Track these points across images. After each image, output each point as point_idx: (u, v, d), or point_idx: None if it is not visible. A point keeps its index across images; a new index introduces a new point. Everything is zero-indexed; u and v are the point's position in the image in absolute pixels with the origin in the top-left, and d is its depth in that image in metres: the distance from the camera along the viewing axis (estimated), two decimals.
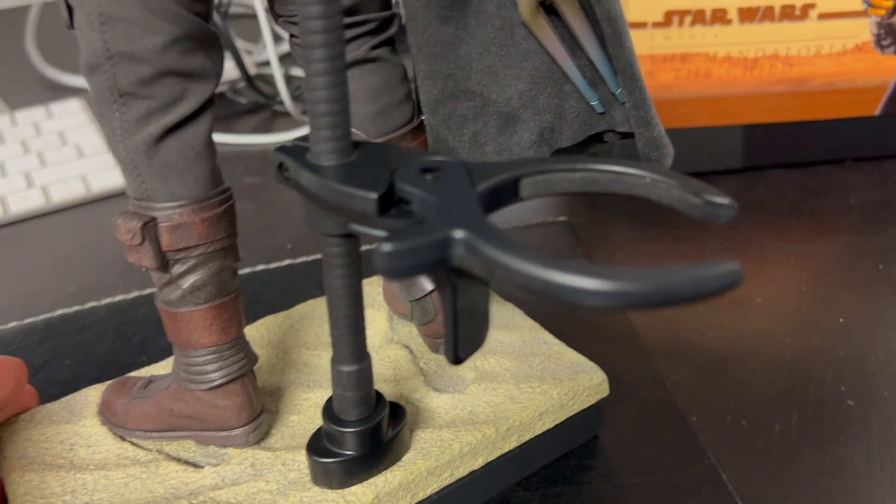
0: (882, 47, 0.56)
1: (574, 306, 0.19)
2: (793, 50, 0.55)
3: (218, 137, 0.66)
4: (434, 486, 0.32)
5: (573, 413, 0.36)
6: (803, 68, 0.56)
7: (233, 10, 0.83)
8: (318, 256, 0.51)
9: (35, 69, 0.77)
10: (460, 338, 0.24)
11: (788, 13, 0.54)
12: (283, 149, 0.25)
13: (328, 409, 0.30)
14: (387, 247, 0.20)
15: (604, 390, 0.37)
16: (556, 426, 0.36)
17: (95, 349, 0.44)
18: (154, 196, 0.29)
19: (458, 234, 0.21)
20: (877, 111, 0.59)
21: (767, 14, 0.54)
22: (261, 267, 0.51)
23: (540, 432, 0.35)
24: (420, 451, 0.32)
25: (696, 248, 0.52)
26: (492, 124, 0.32)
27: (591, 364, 0.37)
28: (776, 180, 0.60)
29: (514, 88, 0.32)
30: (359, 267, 0.27)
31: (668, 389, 0.41)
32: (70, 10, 0.27)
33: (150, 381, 0.35)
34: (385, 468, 0.31)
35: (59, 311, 0.47)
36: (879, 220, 0.55)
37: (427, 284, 0.35)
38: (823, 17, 0.54)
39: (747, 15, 0.54)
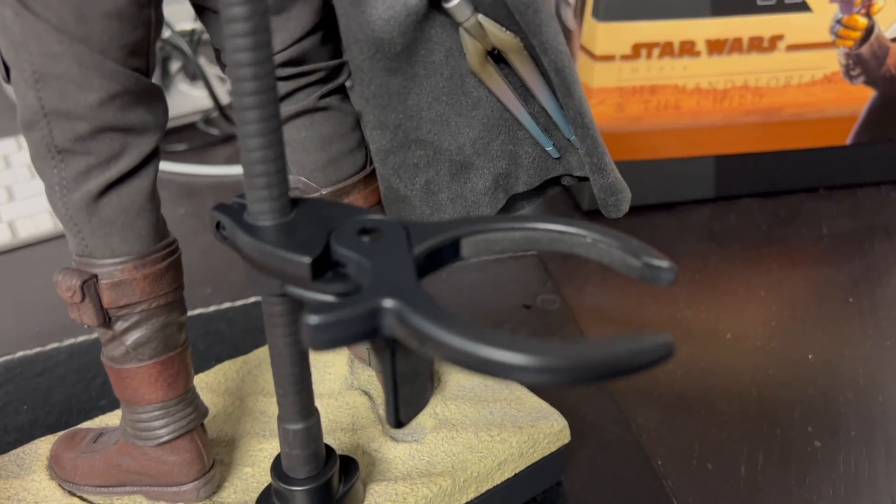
0: (851, 77, 0.56)
1: (505, 380, 0.19)
2: (762, 81, 0.55)
3: (190, 168, 0.66)
4: None
5: (533, 461, 0.35)
6: (773, 99, 0.56)
7: (205, 37, 0.82)
8: None
9: (7, 98, 0.76)
10: (401, 402, 0.23)
11: (757, 45, 0.54)
12: (220, 207, 0.25)
13: (276, 467, 0.29)
14: (313, 319, 0.20)
15: (565, 437, 0.36)
16: (516, 475, 0.35)
17: (55, 393, 0.44)
18: (95, 252, 0.28)
19: (388, 303, 0.20)
20: (847, 140, 0.59)
21: (736, 46, 0.54)
22: (226, 305, 0.50)
23: (499, 482, 0.34)
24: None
25: None
26: (444, 172, 0.32)
27: (551, 410, 0.36)
28: (748, 209, 0.60)
29: (466, 136, 0.32)
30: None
31: (633, 431, 0.40)
32: (6, 66, 0.26)
33: (101, 434, 0.34)
34: None
35: (20, 353, 0.47)
36: (850, 251, 0.55)
37: None
38: (792, 48, 0.54)
39: (716, 47, 0.54)
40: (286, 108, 0.31)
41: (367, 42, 0.28)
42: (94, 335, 0.48)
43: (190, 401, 0.31)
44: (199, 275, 0.54)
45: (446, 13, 0.29)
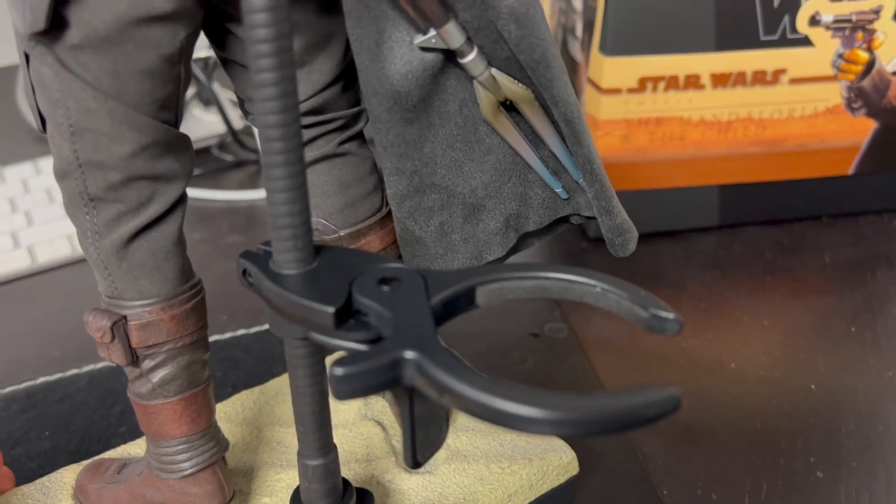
0: (853, 110, 0.57)
1: (520, 431, 0.20)
2: (765, 113, 0.57)
3: (203, 193, 0.67)
4: None
5: (543, 493, 0.36)
6: (776, 130, 0.57)
7: (218, 63, 0.84)
8: None
9: (25, 123, 0.78)
10: (418, 444, 0.24)
11: (760, 78, 0.55)
12: (247, 255, 0.26)
13: (296, 499, 0.30)
14: (338, 371, 0.21)
15: (573, 469, 0.37)
16: None
17: (75, 419, 0.45)
18: (124, 295, 0.29)
19: (409, 355, 0.21)
20: (850, 170, 0.60)
21: (739, 79, 0.55)
22: (241, 332, 0.52)
23: None
24: None
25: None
26: (457, 214, 0.33)
27: (560, 442, 0.37)
28: (752, 238, 0.61)
29: (479, 180, 0.33)
30: (323, 366, 0.28)
31: (639, 461, 0.41)
32: (42, 118, 0.28)
33: (125, 464, 0.35)
34: None
35: (41, 379, 0.48)
36: (853, 280, 0.56)
37: None
38: (794, 81, 0.56)
39: (720, 80, 0.55)
40: (307, 154, 0.32)
41: (385, 95, 0.30)
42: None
43: (212, 435, 0.32)
44: (214, 301, 0.55)
45: (461, 67, 0.30)
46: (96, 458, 0.37)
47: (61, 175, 0.28)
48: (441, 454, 0.37)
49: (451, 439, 0.38)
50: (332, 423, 0.38)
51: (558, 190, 0.34)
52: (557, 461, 0.36)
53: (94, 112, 0.26)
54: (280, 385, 0.42)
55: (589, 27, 0.55)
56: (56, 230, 0.61)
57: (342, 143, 0.32)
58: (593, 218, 0.35)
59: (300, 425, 0.28)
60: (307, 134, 0.32)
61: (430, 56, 0.29)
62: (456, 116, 0.32)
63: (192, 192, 0.68)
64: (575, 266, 0.26)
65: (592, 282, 0.25)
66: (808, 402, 0.45)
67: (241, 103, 0.33)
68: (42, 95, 0.27)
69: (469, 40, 0.29)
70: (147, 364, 0.30)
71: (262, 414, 0.40)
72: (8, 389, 0.47)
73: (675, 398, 0.20)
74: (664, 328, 0.24)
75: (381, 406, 0.40)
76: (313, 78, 0.30)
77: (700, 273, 0.57)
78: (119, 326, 0.29)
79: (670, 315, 0.23)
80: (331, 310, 0.23)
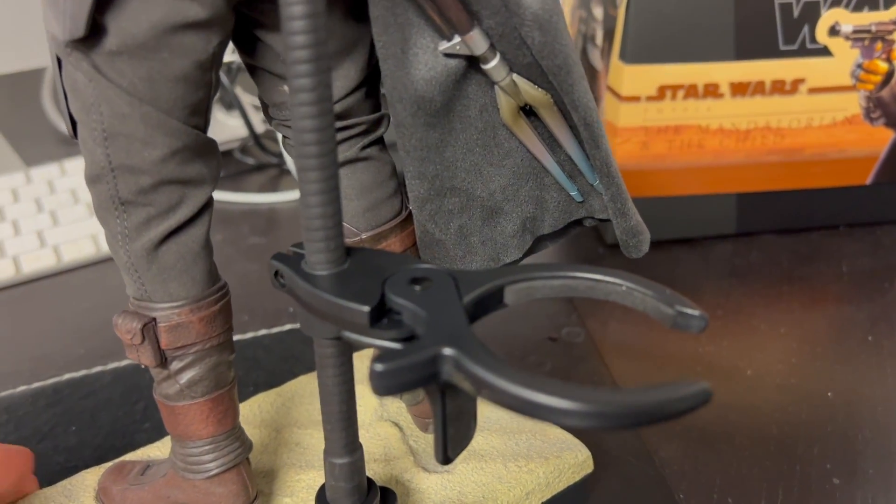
0: (871, 119, 0.58)
1: (554, 424, 0.21)
2: (784, 122, 0.57)
3: (225, 196, 0.68)
4: None
5: (559, 490, 0.37)
6: (795, 139, 0.58)
7: (242, 67, 0.85)
8: None
9: (51, 125, 0.79)
10: (449, 440, 0.25)
11: (779, 88, 0.56)
12: (279, 257, 0.27)
13: (321, 498, 0.31)
14: (378, 367, 0.21)
15: (588, 467, 0.38)
16: (543, 503, 0.37)
17: (100, 415, 0.46)
18: (153, 297, 0.30)
19: (447, 351, 0.22)
20: (868, 180, 0.60)
21: (758, 88, 0.55)
22: (262, 332, 0.52)
23: None
24: None
25: None
26: (476, 217, 0.34)
27: (575, 441, 0.38)
28: (769, 246, 0.61)
29: (497, 183, 0.34)
30: (351, 366, 0.28)
31: (656, 465, 0.42)
32: (74, 123, 0.28)
33: (148, 466, 0.36)
34: None
35: (67, 376, 0.49)
36: (870, 289, 0.56)
37: None
38: (813, 91, 0.56)
39: (739, 89, 0.55)
40: None
41: (409, 100, 0.30)
42: None
43: (237, 435, 0.33)
44: (235, 301, 0.55)
45: (483, 72, 0.31)
46: (118, 460, 0.38)
47: (93, 179, 0.29)
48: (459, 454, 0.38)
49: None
50: None
51: (573, 193, 0.35)
52: (573, 459, 0.37)
53: (128, 117, 0.27)
54: (296, 387, 0.42)
55: (609, 35, 0.56)
56: (81, 230, 0.62)
57: (364, 147, 0.33)
58: (607, 220, 0.35)
59: (328, 424, 0.29)
60: None
61: (453, 62, 0.30)
62: (476, 121, 0.32)
63: (215, 195, 0.68)
64: (589, 264, 0.26)
65: (618, 281, 0.25)
66: (824, 410, 0.46)
67: (265, 108, 0.33)
68: (75, 101, 0.28)
69: (492, 46, 0.30)
70: (175, 365, 0.31)
71: (280, 416, 0.40)
72: (35, 385, 0.48)
73: (707, 392, 0.20)
74: (689, 325, 0.24)
75: (396, 407, 0.40)
76: (338, 84, 0.31)
77: (717, 280, 0.57)
78: (149, 328, 0.30)
79: (696, 312, 0.24)
80: (366, 309, 0.24)
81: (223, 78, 0.73)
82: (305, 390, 0.42)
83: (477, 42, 0.29)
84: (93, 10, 0.25)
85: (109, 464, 0.37)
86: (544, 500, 0.37)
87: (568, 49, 0.30)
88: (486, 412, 0.40)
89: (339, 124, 0.32)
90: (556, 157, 0.34)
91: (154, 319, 0.30)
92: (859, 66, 0.55)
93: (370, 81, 0.32)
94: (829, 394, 0.47)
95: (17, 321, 0.55)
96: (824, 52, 0.55)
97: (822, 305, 0.55)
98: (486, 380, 0.21)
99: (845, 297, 0.55)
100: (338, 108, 0.32)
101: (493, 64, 0.30)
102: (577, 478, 0.38)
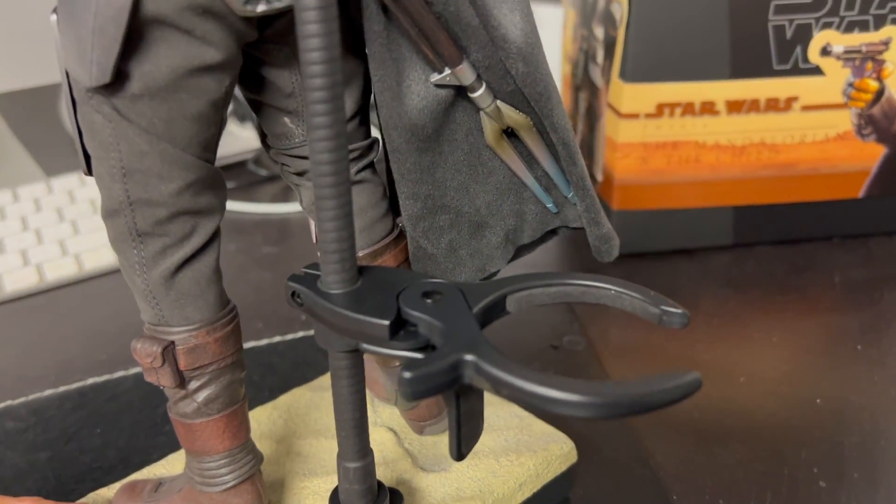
0: (863, 136, 0.60)
1: (566, 416, 0.23)
2: (778, 138, 0.59)
3: (238, 206, 0.71)
4: None
5: (548, 480, 0.40)
6: (789, 155, 0.60)
7: None
8: None
9: (70, 137, 0.81)
10: (463, 438, 0.28)
11: (773, 105, 0.58)
12: (295, 278, 0.29)
13: (335, 500, 0.33)
14: (407, 374, 0.24)
15: (573, 457, 0.41)
16: (534, 493, 0.40)
17: (123, 417, 0.48)
18: (171, 321, 0.32)
19: (468, 357, 0.25)
20: (860, 193, 0.62)
21: (753, 106, 0.58)
22: (276, 339, 0.55)
23: (521, 501, 0.39)
24: None
25: (685, 327, 0.55)
26: (465, 231, 0.37)
27: (559, 434, 0.41)
28: (765, 257, 0.63)
29: (482, 199, 0.37)
30: (363, 376, 0.30)
31: (652, 468, 0.44)
32: (87, 160, 0.30)
33: (160, 483, 0.37)
34: None
35: (91, 380, 0.51)
36: (861, 300, 0.58)
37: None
38: (806, 108, 0.58)
39: (734, 107, 0.57)
40: None
41: (404, 128, 0.33)
42: None
43: (250, 448, 0.35)
44: (250, 309, 0.58)
45: (469, 100, 0.34)
46: (128, 479, 0.39)
47: (111, 213, 0.30)
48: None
49: None
50: None
51: (549, 205, 0.38)
52: (559, 451, 0.40)
53: (146, 154, 0.29)
54: (290, 401, 0.44)
55: (609, 55, 0.58)
56: (101, 239, 0.65)
57: (359, 171, 0.35)
58: (579, 229, 0.39)
59: (342, 430, 0.31)
60: None
61: (443, 92, 0.33)
62: (463, 144, 0.35)
63: (228, 205, 0.71)
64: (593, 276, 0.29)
65: (608, 286, 0.28)
66: (813, 416, 0.48)
67: (263, 138, 0.35)
68: (92, 139, 0.29)
69: (478, 77, 0.33)
70: (193, 385, 0.32)
71: (277, 428, 0.42)
72: (61, 389, 0.51)
73: (697, 380, 0.23)
74: (673, 322, 0.27)
75: (388, 413, 0.43)
76: None
77: (714, 290, 0.59)
78: (168, 351, 0.31)
79: (678, 310, 0.27)
80: (386, 322, 0.26)
81: (237, 90, 0.76)
82: (299, 403, 0.44)
83: (466, 73, 0.32)
84: (119, 58, 0.26)
85: (119, 483, 0.39)
86: (535, 490, 0.40)
87: (547, 77, 0.33)
88: None
89: None
90: (534, 172, 0.37)
91: (172, 343, 0.31)
92: (850, 84, 0.58)
93: (363, 111, 0.35)
94: (819, 400, 0.49)
95: (42, 327, 0.57)
96: (816, 71, 0.57)
97: (815, 315, 0.57)
98: (505, 380, 0.24)
99: (837, 307, 0.57)
100: None
101: (479, 92, 0.33)
102: (564, 468, 0.41)
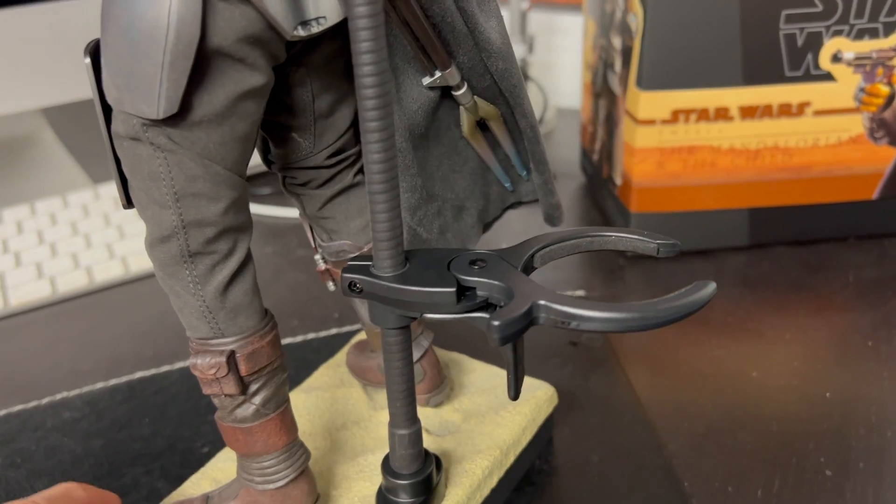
0: (875, 139, 0.61)
1: (618, 332, 0.28)
2: (791, 142, 0.61)
3: (274, 211, 0.74)
4: None
5: (540, 423, 0.45)
6: (802, 158, 0.62)
7: None
8: (361, 326, 0.58)
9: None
10: (519, 379, 0.32)
11: (786, 110, 0.60)
12: (349, 269, 0.32)
13: (386, 467, 0.37)
14: (496, 322, 0.28)
15: (555, 399, 0.47)
16: (534, 435, 0.45)
17: (170, 409, 0.52)
18: (226, 333, 0.33)
19: (541, 301, 0.29)
20: (874, 195, 0.64)
21: (766, 111, 0.60)
22: (311, 335, 0.58)
23: (525, 444, 0.44)
24: (455, 485, 0.40)
25: (701, 323, 0.58)
26: (449, 216, 0.41)
27: (540, 381, 0.46)
28: (780, 257, 0.65)
29: (461, 186, 0.41)
30: (410, 351, 0.34)
31: (664, 456, 0.46)
32: (126, 191, 0.32)
33: (208, 497, 0.39)
34: None
35: (139, 374, 0.55)
36: (873, 298, 0.60)
37: (417, 352, 0.43)
38: (819, 113, 0.60)
39: (748, 112, 0.60)
40: (332, 189, 0.39)
41: (403, 128, 0.37)
42: None
43: (300, 442, 0.37)
44: (286, 308, 0.62)
45: (450, 97, 0.38)
46: (176, 501, 0.40)
47: (162, 239, 0.31)
48: (457, 417, 0.44)
49: (457, 406, 0.45)
50: (349, 420, 0.45)
51: (507, 184, 0.43)
52: (544, 395, 0.45)
53: (198, 178, 0.30)
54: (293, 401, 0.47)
55: (626, 63, 0.61)
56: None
57: (355, 174, 0.39)
58: (532, 202, 0.44)
59: (394, 401, 0.35)
60: (331, 172, 0.38)
61: (433, 93, 0.37)
62: (444, 137, 0.40)
63: (265, 210, 0.75)
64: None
65: (609, 232, 0.33)
66: (822, 409, 0.50)
67: (265, 154, 0.38)
68: (138, 172, 0.30)
69: (462, 77, 0.37)
70: (252, 388, 0.35)
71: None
72: (112, 382, 0.54)
73: (714, 289, 0.28)
74: (669, 250, 0.31)
75: (382, 396, 0.46)
76: (337, 126, 0.37)
77: (729, 289, 0.62)
78: (231, 360, 0.33)
79: (670, 240, 0.31)
80: (452, 290, 0.30)
81: None
82: (301, 404, 0.47)
83: (454, 75, 0.37)
84: (186, 89, 0.28)
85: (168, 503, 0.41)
86: (535, 431, 0.45)
87: (518, 72, 0.38)
88: (460, 379, 0.47)
89: (339, 158, 0.38)
90: (497, 156, 0.42)
91: (233, 352, 0.33)
92: (862, 89, 0.59)
93: (355, 121, 0.38)
94: (827, 394, 0.51)
95: (92, 326, 0.61)
96: (828, 77, 0.59)
97: (827, 313, 0.59)
98: (573, 313, 0.28)
99: (849, 305, 0.59)
100: (337, 145, 0.37)
101: (462, 91, 0.38)
102: (550, 410, 0.46)
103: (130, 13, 0.27)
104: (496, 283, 0.30)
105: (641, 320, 0.27)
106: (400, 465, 0.36)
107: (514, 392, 0.32)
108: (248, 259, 0.34)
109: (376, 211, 0.30)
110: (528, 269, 0.32)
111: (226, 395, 0.34)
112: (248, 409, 0.35)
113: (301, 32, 0.30)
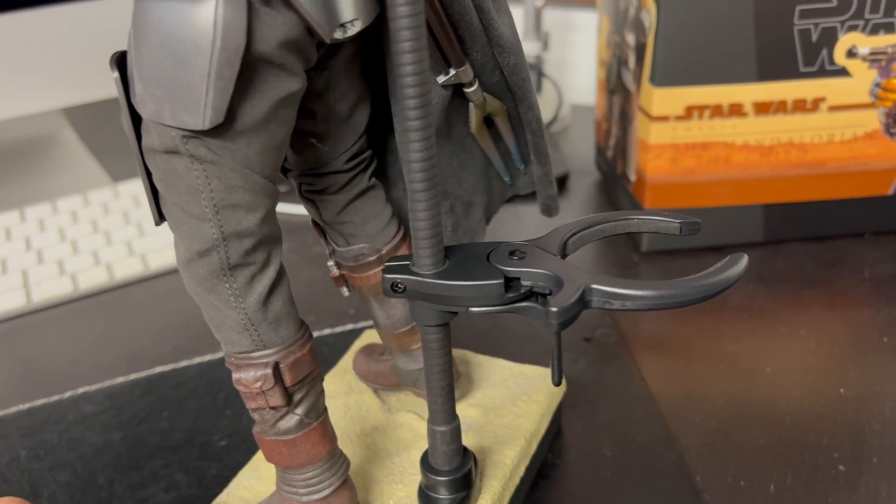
0: (891, 134, 0.61)
1: (663, 308, 0.29)
2: (806, 138, 0.61)
3: (291, 209, 0.75)
4: (506, 500, 0.41)
5: (554, 410, 0.46)
6: (817, 154, 0.62)
7: None
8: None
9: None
10: (561, 367, 0.33)
11: (800, 106, 0.60)
12: (389, 270, 0.32)
13: (426, 464, 0.37)
14: (555, 308, 0.29)
15: (564, 386, 0.48)
16: (550, 421, 0.46)
17: (188, 403, 0.53)
18: (268, 344, 0.33)
19: (592, 285, 0.29)
20: (890, 191, 0.64)
21: (781, 107, 0.60)
22: (327, 331, 0.59)
23: (544, 432, 0.45)
24: (489, 477, 0.40)
25: (715, 319, 0.58)
26: (460, 212, 0.42)
27: (548, 369, 0.47)
28: (795, 253, 0.65)
29: (469, 182, 0.42)
30: (450, 348, 0.34)
31: (677, 451, 0.47)
32: (158, 206, 0.31)
33: None
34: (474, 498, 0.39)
35: (158, 369, 0.56)
36: (889, 294, 0.59)
37: None
38: (834, 109, 0.60)
39: (762, 108, 0.60)
40: (350, 193, 0.38)
41: None
42: (219, 355, 0.57)
43: (340, 450, 0.37)
44: (303, 304, 0.62)
45: (460, 95, 0.39)
46: None
47: (201, 254, 0.30)
48: (475, 412, 0.45)
49: (474, 400, 0.46)
50: (368, 427, 0.45)
51: (507, 178, 0.44)
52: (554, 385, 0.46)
53: (238, 188, 0.30)
54: None
55: (640, 60, 0.61)
56: (165, 240, 0.70)
57: (370, 177, 0.39)
58: (530, 194, 0.45)
59: (435, 399, 0.35)
60: (348, 176, 0.38)
61: (446, 91, 0.38)
62: (453, 135, 0.40)
63: (282, 208, 0.75)
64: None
65: (632, 216, 0.33)
66: (836, 405, 0.50)
67: (299, 188, 0.39)
68: (174, 187, 0.30)
69: (474, 74, 0.38)
70: (296, 398, 0.34)
71: None
72: (132, 377, 0.55)
73: (746, 262, 0.29)
74: (690, 228, 0.32)
75: (395, 398, 0.47)
76: (355, 128, 0.37)
77: (744, 285, 0.62)
78: (276, 372, 0.33)
79: (690, 219, 0.32)
80: (500, 281, 0.31)
81: None
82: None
83: (467, 72, 0.37)
84: (231, 97, 0.27)
85: None
86: (550, 418, 0.46)
87: (526, 66, 0.38)
88: (470, 375, 0.48)
89: (356, 161, 0.38)
90: (499, 151, 0.43)
91: (277, 363, 0.33)
92: (877, 84, 0.59)
93: (369, 125, 0.38)
94: (842, 390, 0.51)
95: (112, 322, 0.62)
96: (843, 72, 0.59)
97: (842, 309, 0.58)
98: (624, 293, 0.29)
99: (865, 301, 0.59)
100: (355, 148, 0.37)
101: (474, 87, 0.38)
102: (561, 396, 0.48)
103: (171, 23, 0.27)
104: (542, 271, 0.31)
105: (686, 295, 0.29)
106: (441, 461, 0.37)
107: (558, 378, 0.32)
108: (282, 268, 0.33)
109: (417, 210, 0.30)
110: (563, 256, 0.33)
111: (270, 408, 0.34)
112: (291, 420, 0.34)
113: (338, 35, 0.30)
